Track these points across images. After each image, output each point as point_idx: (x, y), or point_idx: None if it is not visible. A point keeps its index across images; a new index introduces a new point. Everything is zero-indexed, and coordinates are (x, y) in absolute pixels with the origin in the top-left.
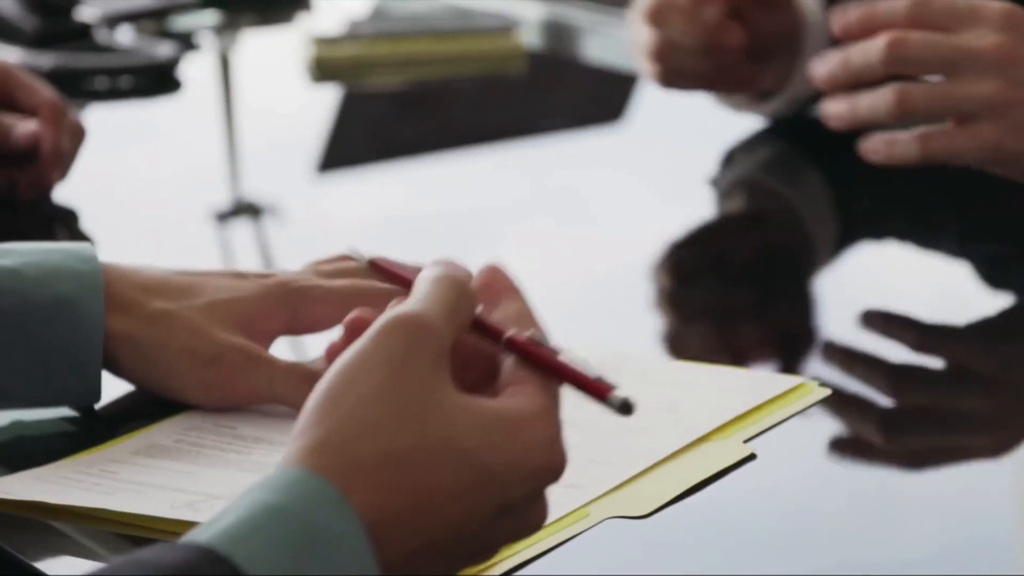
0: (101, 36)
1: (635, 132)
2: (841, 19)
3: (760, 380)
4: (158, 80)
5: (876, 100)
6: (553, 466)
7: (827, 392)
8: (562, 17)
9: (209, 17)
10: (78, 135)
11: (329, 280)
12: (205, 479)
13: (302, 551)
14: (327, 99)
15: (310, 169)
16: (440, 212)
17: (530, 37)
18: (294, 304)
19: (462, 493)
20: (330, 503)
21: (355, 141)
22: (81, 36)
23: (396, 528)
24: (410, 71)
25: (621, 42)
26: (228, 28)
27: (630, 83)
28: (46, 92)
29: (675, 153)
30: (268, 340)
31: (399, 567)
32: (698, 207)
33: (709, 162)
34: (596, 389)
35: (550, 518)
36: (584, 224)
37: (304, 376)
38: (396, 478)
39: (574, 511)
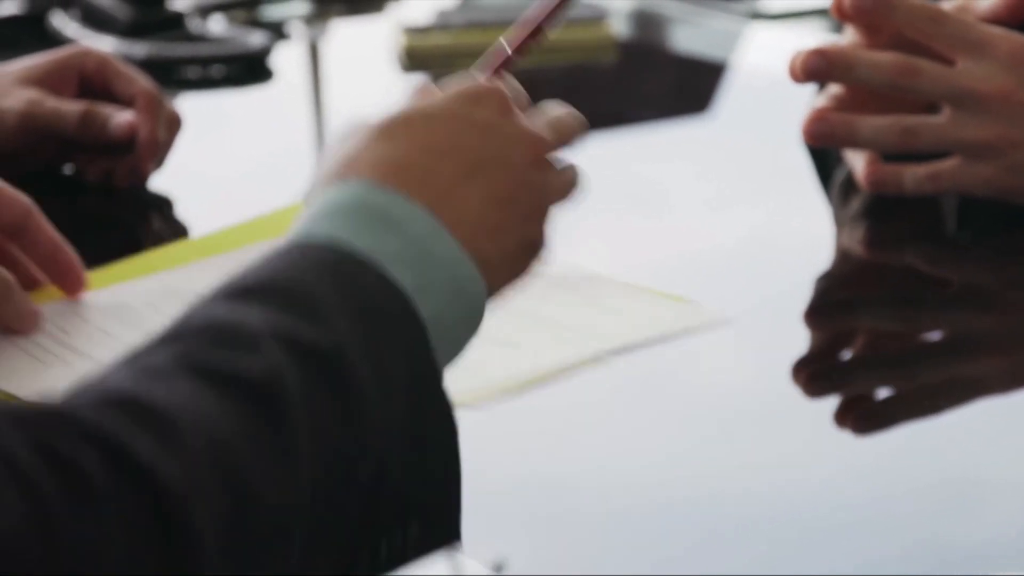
0: (193, 25)
1: (722, 123)
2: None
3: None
4: (249, 69)
5: (879, 130)
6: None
7: (723, 317)
8: (652, 7)
9: (300, 6)
10: (174, 125)
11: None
12: None
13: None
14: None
15: None
16: None
17: (620, 27)
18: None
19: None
20: (388, 193)
21: None
22: (174, 25)
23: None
24: None
25: (710, 32)
26: (318, 18)
27: (719, 73)
28: (143, 82)
29: (762, 146)
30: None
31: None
32: (782, 200)
33: (796, 155)
34: None
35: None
36: (663, 214)
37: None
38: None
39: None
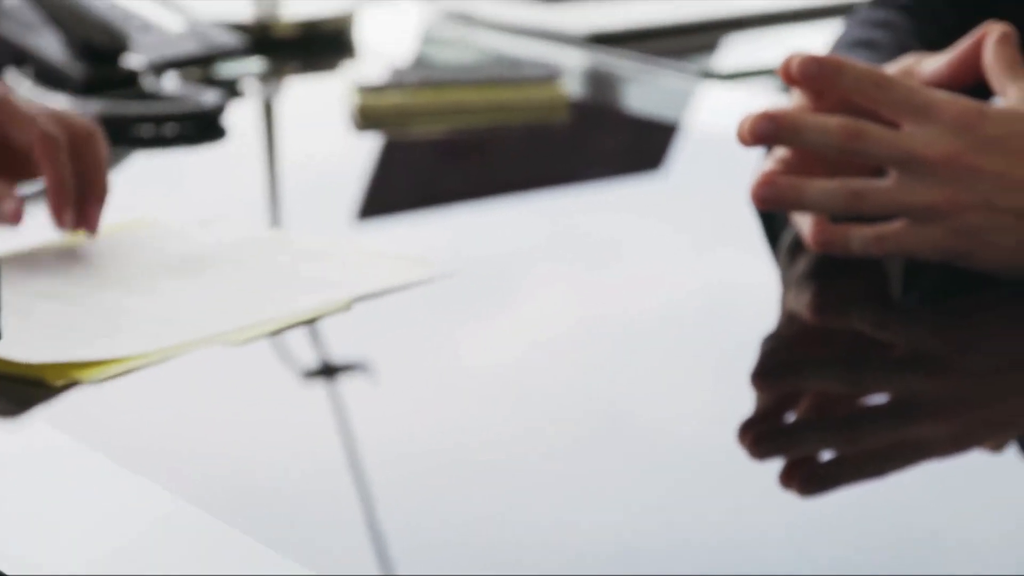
0: (147, 83)
1: (673, 182)
2: (808, 63)
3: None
4: (203, 127)
5: (826, 194)
6: None
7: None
8: (605, 66)
9: (254, 64)
10: (89, 148)
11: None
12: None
13: None
14: (370, 146)
15: (352, 216)
16: (477, 256)
17: (573, 86)
18: None
19: None
20: None
21: (397, 188)
22: (128, 83)
23: None
24: (453, 119)
25: (662, 91)
26: (273, 75)
27: (671, 133)
28: (40, 125)
29: (712, 205)
30: None
31: None
32: (731, 260)
33: (745, 215)
34: None
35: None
36: (615, 269)
37: None
38: None
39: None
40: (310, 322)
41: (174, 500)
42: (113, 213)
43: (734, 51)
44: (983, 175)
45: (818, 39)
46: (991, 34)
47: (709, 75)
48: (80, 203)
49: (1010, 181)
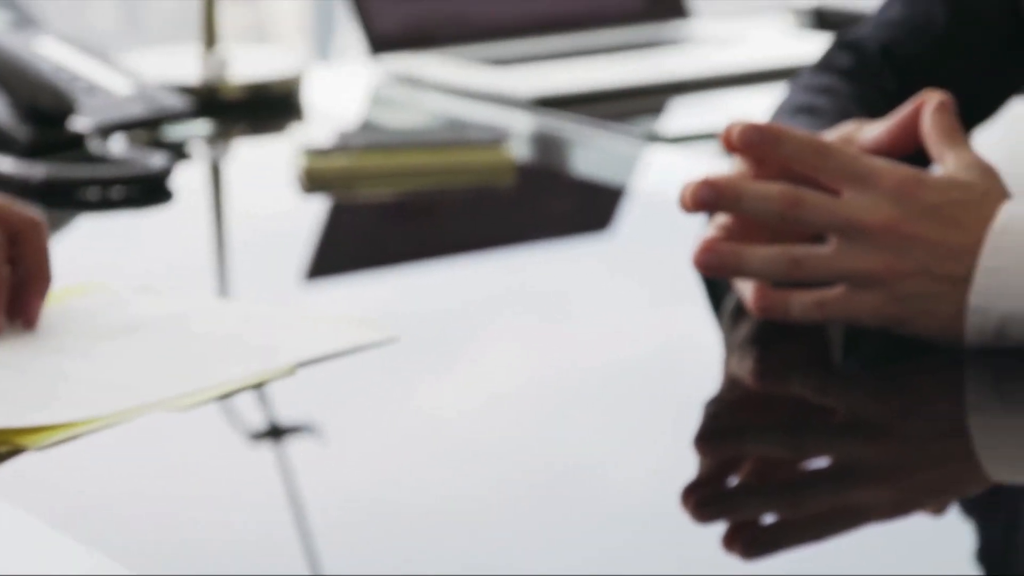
0: (94, 146)
1: (619, 245)
2: (748, 131)
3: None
4: (150, 190)
5: (767, 261)
6: None
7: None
8: (551, 129)
9: (201, 126)
10: (32, 244)
11: None
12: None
13: None
14: (317, 209)
15: (299, 279)
16: (423, 317)
17: (520, 149)
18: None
19: None
20: None
21: (344, 251)
22: (74, 146)
23: None
24: (400, 182)
25: (608, 155)
26: (220, 137)
27: (616, 196)
28: None
29: (656, 269)
30: None
31: None
32: (674, 324)
33: (689, 279)
34: None
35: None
36: (560, 331)
37: None
38: None
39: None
40: (255, 387)
41: (118, 567)
42: (59, 277)
43: (679, 114)
44: (921, 243)
45: (763, 102)
46: (929, 102)
47: (654, 138)
48: (20, 294)
49: (947, 249)
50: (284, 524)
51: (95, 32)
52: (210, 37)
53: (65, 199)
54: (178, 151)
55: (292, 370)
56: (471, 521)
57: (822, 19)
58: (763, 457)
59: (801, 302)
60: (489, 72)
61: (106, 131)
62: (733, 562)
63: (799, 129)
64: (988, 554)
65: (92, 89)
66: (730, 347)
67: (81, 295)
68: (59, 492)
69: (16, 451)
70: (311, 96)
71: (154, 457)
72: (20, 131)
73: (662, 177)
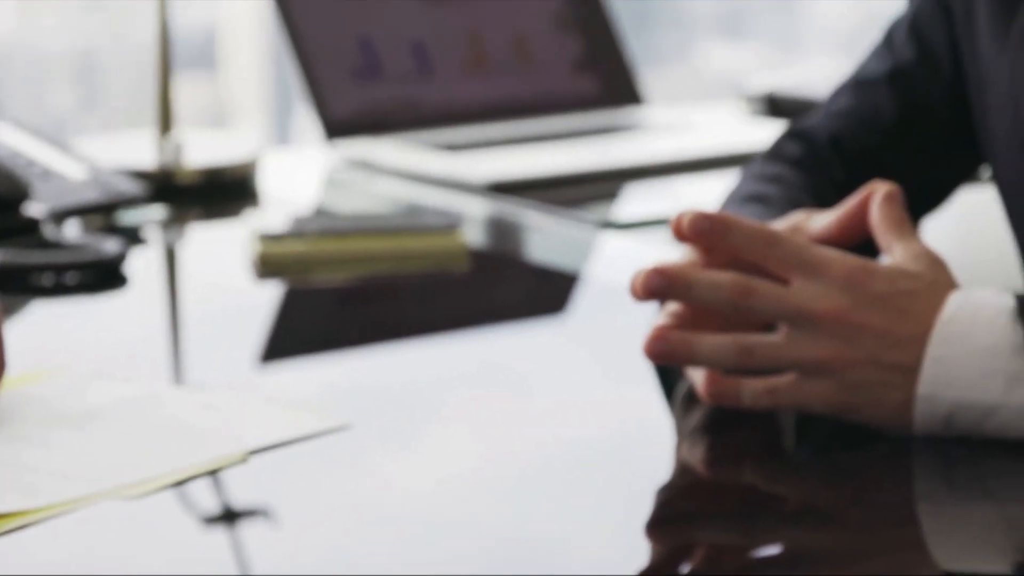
0: (48, 231)
1: (571, 331)
2: (698, 220)
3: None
4: (104, 275)
5: (717, 349)
6: None
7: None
8: (505, 214)
9: (156, 211)
10: None
11: None
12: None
13: None
14: (272, 294)
15: (253, 364)
16: (376, 402)
17: (474, 234)
18: None
19: None
20: None
21: (299, 335)
22: (28, 231)
23: None
24: (354, 267)
25: (561, 241)
26: (175, 222)
27: (569, 282)
28: None
29: (608, 355)
30: None
31: None
32: (625, 410)
33: (640, 365)
34: None
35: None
36: (511, 416)
37: None
38: None
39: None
40: (208, 474)
41: None
42: (13, 364)
43: (632, 200)
44: (869, 332)
45: (716, 188)
46: (877, 193)
47: (607, 224)
48: None
49: (896, 338)
50: None
51: (54, 112)
52: (165, 122)
53: (19, 285)
54: (133, 236)
55: (244, 457)
56: None
57: (774, 106)
58: (714, 544)
59: (752, 389)
60: (443, 157)
61: (61, 216)
62: None
63: (749, 218)
64: None
65: (47, 174)
66: (682, 433)
67: (36, 382)
68: None
69: None
70: (266, 181)
71: (108, 543)
72: None
73: (615, 263)
